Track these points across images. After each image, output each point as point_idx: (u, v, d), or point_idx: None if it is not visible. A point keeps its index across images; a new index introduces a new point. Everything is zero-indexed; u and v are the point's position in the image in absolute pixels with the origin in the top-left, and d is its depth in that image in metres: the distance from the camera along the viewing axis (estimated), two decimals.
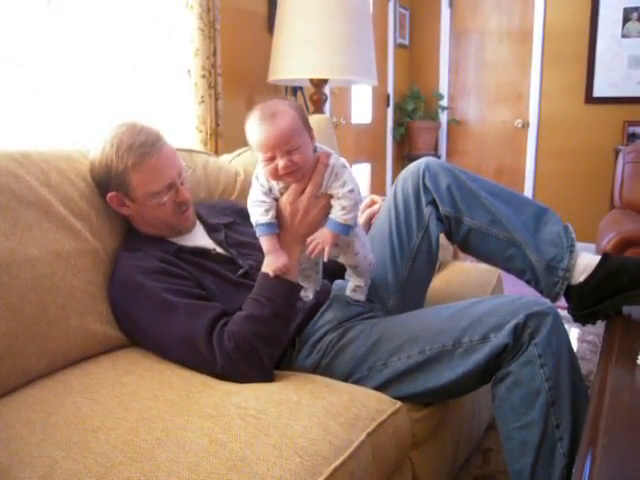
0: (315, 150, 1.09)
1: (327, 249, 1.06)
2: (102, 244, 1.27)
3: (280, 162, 1.02)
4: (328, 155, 1.08)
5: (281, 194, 1.10)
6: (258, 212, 1.09)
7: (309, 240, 1.08)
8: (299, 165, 1.03)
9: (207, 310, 1.12)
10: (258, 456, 0.83)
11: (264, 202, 1.09)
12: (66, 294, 1.16)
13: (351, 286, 1.24)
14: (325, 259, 1.08)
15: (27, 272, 1.10)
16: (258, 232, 1.09)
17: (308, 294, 1.21)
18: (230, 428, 0.89)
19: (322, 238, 1.07)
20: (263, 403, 0.97)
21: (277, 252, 1.08)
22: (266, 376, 1.08)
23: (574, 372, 1.05)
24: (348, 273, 1.25)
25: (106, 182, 1.25)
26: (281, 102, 1.05)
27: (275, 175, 1.05)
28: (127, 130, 1.23)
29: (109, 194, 1.26)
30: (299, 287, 1.14)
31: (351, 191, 1.07)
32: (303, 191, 1.08)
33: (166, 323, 1.13)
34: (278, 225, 1.10)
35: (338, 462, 0.86)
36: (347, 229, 1.09)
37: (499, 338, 1.04)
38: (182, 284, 1.18)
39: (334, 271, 1.30)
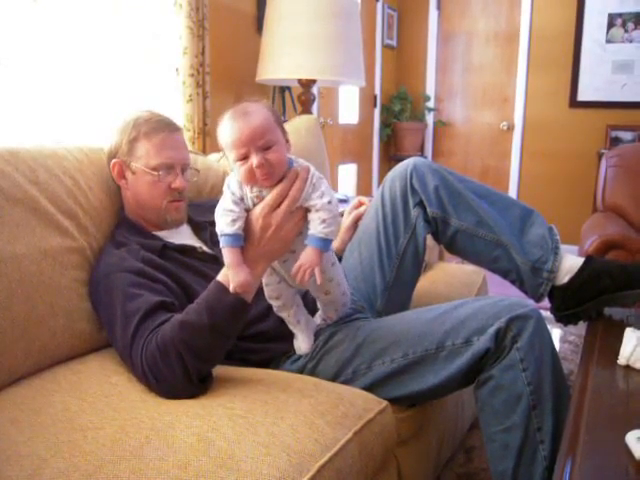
0: (291, 164, 1.02)
1: (317, 270, 0.98)
2: (89, 242, 1.27)
3: (254, 160, 0.96)
4: (307, 170, 1.02)
5: (254, 205, 1.02)
6: (224, 222, 1.00)
7: (294, 270, 0.99)
8: (274, 166, 0.98)
9: (161, 316, 1.06)
10: (246, 454, 0.84)
11: (232, 211, 1.00)
12: (54, 292, 1.16)
13: (321, 314, 1.20)
14: (319, 281, 0.99)
15: (14, 270, 1.10)
16: (222, 243, 0.99)
17: (301, 345, 1.17)
18: (218, 427, 0.90)
19: (308, 261, 0.98)
20: (250, 402, 0.98)
21: (240, 267, 0.98)
22: (193, 390, 1.00)
23: (556, 375, 1.05)
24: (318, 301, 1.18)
25: (116, 147, 1.30)
26: (254, 103, 1.01)
27: (250, 176, 0.98)
28: (147, 111, 1.34)
29: (113, 160, 1.30)
30: (250, 307, 1.04)
31: (330, 202, 1.01)
32: (279, 205, 1.01)
33: (120, 325, 1.08)
34: (244, 239, 1.01)
35: (325, 459, 0.87)
36: (328, 244, 1.02)
37: (481, 342, 1.04)
38: (156, 287, 1.14)
39: None
